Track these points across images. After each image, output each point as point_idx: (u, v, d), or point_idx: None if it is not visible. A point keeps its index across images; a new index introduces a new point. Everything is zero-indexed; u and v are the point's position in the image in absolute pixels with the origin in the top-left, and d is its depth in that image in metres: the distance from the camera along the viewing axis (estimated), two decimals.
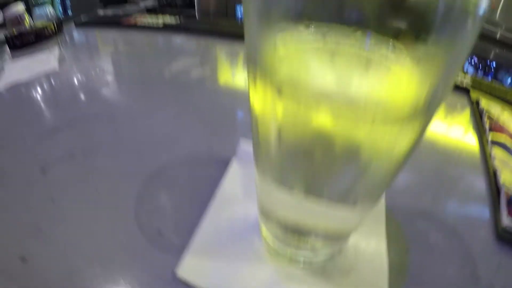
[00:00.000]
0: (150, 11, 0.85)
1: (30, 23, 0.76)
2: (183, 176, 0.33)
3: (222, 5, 1.65)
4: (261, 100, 0.16)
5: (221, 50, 0.71)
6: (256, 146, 0.19)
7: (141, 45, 0.76)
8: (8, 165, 0.38)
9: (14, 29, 0.77)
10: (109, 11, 1.92)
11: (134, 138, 0.41)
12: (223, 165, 0.32)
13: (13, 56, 0.75)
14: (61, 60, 0.65)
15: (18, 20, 0.77)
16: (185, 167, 0.34)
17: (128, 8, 2.04)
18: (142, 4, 2.13)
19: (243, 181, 0.30)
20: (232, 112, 0.46)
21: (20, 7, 0.78)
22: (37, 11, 0.78)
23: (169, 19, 0.84)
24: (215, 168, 0.32)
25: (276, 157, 0.18)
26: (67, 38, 0.81)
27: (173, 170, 0.34)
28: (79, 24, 0.87)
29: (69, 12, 1.12)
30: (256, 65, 0.15)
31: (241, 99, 0.49)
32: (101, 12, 1.81)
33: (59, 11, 0.84)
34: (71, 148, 0.39)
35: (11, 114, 0.51)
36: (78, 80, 0.59)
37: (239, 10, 1.63)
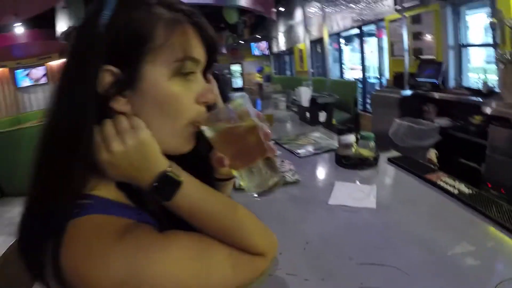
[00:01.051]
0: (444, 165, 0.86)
1: (356, 150, 1.04)
2: None
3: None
4: None
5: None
6: None
7: (436, 208, 0.78)
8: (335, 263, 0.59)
9: (344, 152, 1.08)
10: (406, 124, 2.16)
11: None
12: None
13: (339, 173, 1.04)
14: (378, 199, 0.82)
15: (348, 145, 1.07)
16: None
17: (424, 123, 2.20)
18: (437, 123, 2.23)
19: None
20: None
21: (352, 137, 1.08)
22: (362, 142, 1.06)
23: (465, 189, 0.79)
24: None
25: None
26: (381, 172, 1.02)
27: None
28: (391, 161, 1.06)
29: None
30: None
31: None
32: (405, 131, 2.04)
33: (375, 146, 1.07)
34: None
35: (337, 234, 0.73)
36: (388, 227, 0.72)
37: None
